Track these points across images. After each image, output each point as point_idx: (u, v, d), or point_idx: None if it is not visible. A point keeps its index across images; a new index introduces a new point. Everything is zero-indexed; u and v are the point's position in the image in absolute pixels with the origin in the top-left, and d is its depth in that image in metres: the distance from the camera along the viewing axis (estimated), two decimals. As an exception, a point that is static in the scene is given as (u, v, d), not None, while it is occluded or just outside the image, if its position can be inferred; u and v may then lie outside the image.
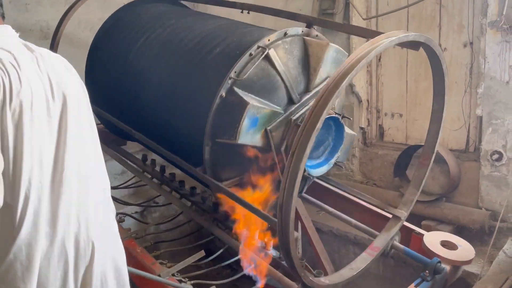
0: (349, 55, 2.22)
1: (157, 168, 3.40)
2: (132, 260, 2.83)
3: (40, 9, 4.39)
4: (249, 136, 2.41)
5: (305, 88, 2.61)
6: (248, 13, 3.10)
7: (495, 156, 3.47)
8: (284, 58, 2.50)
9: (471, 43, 3.69)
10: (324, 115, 1.81)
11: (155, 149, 3.02)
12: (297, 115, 2.52)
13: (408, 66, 4.13)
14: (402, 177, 4.14)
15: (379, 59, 4.33)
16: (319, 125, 1.81)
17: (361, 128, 4.46)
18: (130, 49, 3.18)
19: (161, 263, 2.81)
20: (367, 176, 4.51)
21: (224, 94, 2.40)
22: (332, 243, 4.31)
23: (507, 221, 3.52)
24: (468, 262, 2.70)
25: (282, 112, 2.50)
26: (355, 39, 4.24)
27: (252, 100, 2.38)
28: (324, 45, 2.53)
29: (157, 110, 2.99)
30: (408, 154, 4.06)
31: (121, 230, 3.01)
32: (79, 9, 4.63)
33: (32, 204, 1.36)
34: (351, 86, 4.30)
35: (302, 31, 2.61)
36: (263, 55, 2.39)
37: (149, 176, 3.46)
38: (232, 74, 2.40)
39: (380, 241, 2.74)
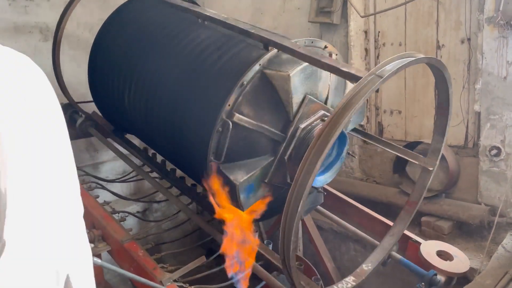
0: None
1: (158, 162, 3.43)
2: (134, 263, 2.84)
3: (39, 11, 4.41)
4: (252, 199, 2.46)
5: (286, 121, 2.50)
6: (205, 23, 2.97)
7: (494, 152, 3.48)
8: (251, 112, 2.41)
9: (469, 39, 3.70)
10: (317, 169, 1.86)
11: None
12: (288, 152, 2.47)
13: (406, 63, 4.14)
14: (402, 173, 4.16)
15: (377, 57, 4.34)
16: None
17: (360, 125, 4.47)
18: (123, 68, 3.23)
19: (162, 267, 2.81)
20: (366, 173, 4.53)
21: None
22: (332, 240, 4.33)
23: (506, 216, 3.54)
24: (463, 274, 2.75)
25: (272, 157, 2.48)
26: (353, 36, 4.26)
27: (239, 176, 2.39)
28: (286, 78, 2.38)
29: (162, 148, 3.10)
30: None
31: (123, 231, 3.02)
32: (78, 10, 4.65)
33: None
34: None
35: (260, 64, 2.41)
36: (230, 127, 2.34)
37: (149, 170, 3.50)
38: (212, 157, 2.39)
39: (415, 195, 2.82)
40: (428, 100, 4.05)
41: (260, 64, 2.41)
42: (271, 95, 2.43)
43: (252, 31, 2.59)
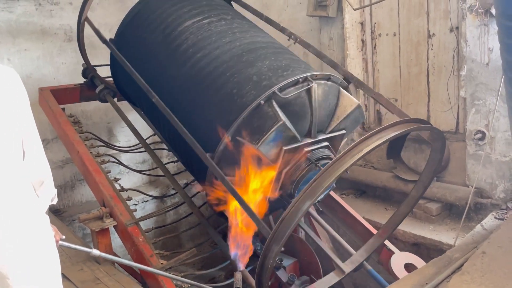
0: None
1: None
2: (134, 247, 3.17)
3: (63, 15, 4.87)
4: (268, 147, 2.63)
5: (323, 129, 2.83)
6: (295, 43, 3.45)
7: (478, 136, 3.60)
8: (321, 96, 2.71)
9: (457, 28, 3.83)
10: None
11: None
12: (309, 148, 2.72)
13: (400, 52, 4.30)
14: (397, 158, 4.33)
15: (374, 47, 4.51)
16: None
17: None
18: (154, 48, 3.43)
19: (158, 254, 3.09)
20: (366, 159, 4.72)
21: (262, 102, 2.59)
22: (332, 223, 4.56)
23: (491, 197, 3.66)
24: None
25: (300, 140, 2.71)
26: (349, 28, 4.45)
27: (285, 118, 2.60)
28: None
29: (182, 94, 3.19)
30: (401, 136, 4.23)
31: (128, 214, 3.29)
32: (98, 12, 5.10)
33: None
34: (347, 73, 4.51)
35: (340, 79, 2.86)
36: (307, 87, 2.63)
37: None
38: (276, 90, 2.58)
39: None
40: (421, 88, 4.20)
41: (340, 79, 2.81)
42: (332, 104, 2.78)
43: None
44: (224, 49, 3.06)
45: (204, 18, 3.35)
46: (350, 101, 2.84)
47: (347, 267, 3.09)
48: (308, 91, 2.65)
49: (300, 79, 2.63)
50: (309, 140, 2.75)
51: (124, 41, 3.72)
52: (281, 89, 2.61)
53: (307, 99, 2.68)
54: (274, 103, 2.59)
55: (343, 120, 2.85)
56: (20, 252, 1.56)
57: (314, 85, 2.64)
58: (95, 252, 2.53)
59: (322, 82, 2.73)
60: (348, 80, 3.03)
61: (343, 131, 2.91)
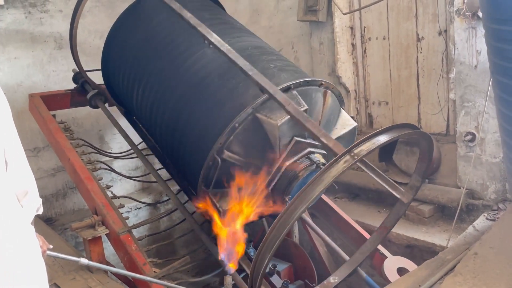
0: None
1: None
2: (127, 255, 3.16)
3: (53, 22, 4.86)
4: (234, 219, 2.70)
5: (274, 157, 2.71)
6: (209, 46, 2.83)
7: (468, 137, 3.63)
8: (241, 150, 2.66)
9: (445, 31, 3.86)
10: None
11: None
12: (272, 184, 2.71)
13: (390, 56, 4.33)
14: (389, 161, 4.35)
15: (364, 51, 4.55)
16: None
17: (351, 117, 4.68)
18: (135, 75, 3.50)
19: (151, 262, 3.09)
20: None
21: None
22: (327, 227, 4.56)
23: (483, 198, 3.68)
24: None
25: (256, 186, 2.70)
26: (339, 32, 4.48)
27: (224, 204, 2.74)
28: (274, 126, 2.55)
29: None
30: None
31: (120, 222, 3.27)
32: (88, 20, 5.09)
33: None
34: (338, 77, 4.55)
35: (253, 108, 2.59)
36: (219, 163, 2.64)
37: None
38: (202, 185, 2.77)
39: (389, 221, 3.04)
40: (411, 91, 4.23)
41: (253, 108, 2.59)
42: (261, 135, 2.65)
43: (250, 73, 2.61)
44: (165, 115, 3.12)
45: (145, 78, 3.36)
46: (270, 124, 2.59)
47: (407, 194, 2.83)
48: (224, 161, 2.65)
49: (210, 162, 2.67)
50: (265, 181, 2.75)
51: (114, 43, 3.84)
52: (205, 178, 2.73)
53: (229, 172, 2.67)
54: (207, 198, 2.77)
55: (281, 139, 2.65)
56: (4, 264, 1.54)
57: (224, 155, 2.62)
58: (83, 261, 2.51)
59: (233, 136, 2.62)
60: (262, 90, 2.59)
61: (294, 140, 2.72)
